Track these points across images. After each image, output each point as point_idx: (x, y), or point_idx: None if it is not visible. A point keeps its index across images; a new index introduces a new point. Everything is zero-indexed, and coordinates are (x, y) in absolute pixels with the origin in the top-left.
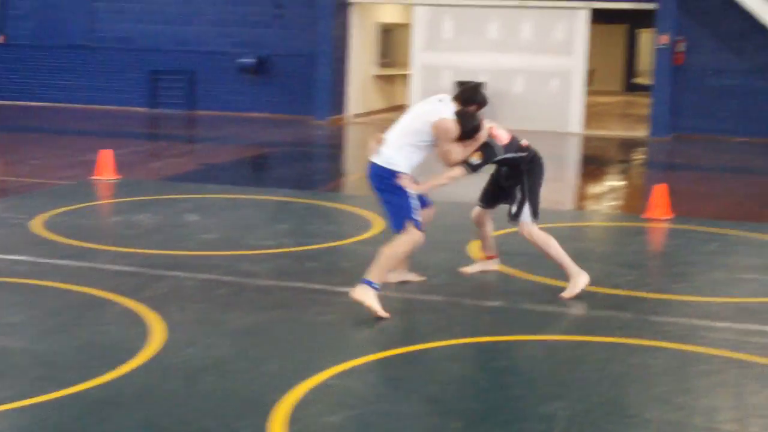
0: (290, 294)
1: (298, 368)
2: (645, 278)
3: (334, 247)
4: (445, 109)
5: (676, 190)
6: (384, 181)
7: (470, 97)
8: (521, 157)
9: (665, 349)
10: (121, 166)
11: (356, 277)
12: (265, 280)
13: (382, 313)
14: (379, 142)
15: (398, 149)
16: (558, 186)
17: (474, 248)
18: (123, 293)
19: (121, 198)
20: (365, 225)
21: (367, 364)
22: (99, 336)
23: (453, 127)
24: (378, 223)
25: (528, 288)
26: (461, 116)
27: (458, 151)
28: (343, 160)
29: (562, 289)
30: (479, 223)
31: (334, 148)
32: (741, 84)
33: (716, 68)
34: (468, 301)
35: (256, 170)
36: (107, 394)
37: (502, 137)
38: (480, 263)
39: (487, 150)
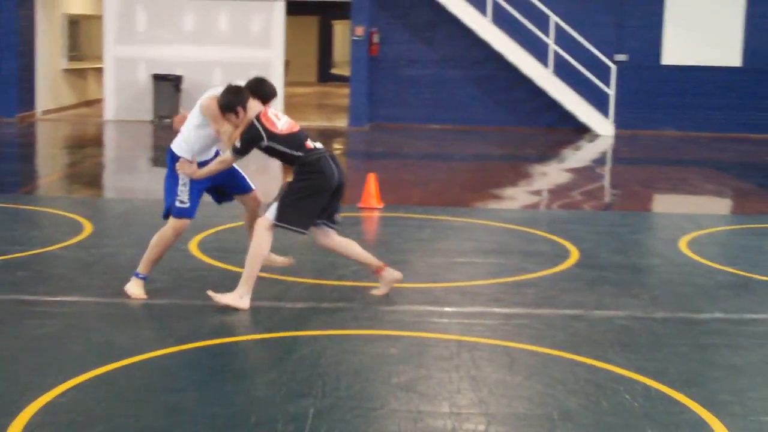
0: (1, 307)
1: (22, 388)
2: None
3: (43, 253)
4: (218, 91)
5: (382, 178)
6: (169, 165)
7: (253, 89)
8: (295, 155)
9: (400, 337)
10: None
11: (72, 283)
12: None
13: (140, 295)
14: (179, 123)
15: (186, 134)
16: (266, 178)
17: (194, 246)
18: None
19: None
20: (74, 228)
21: (97, 378)
22: None
23: (213, 104)
24: (89, 226)
25: (263, 284)
26: (223, 91)
27: (227, 130)
28: (37, 159)
29: (291, 284)
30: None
31: (25, 147)
32: (433, 73)
33: (409, 59)
34: (193, 303)
35: None
36: None
37: (277, 125)
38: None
39: (249, 131)
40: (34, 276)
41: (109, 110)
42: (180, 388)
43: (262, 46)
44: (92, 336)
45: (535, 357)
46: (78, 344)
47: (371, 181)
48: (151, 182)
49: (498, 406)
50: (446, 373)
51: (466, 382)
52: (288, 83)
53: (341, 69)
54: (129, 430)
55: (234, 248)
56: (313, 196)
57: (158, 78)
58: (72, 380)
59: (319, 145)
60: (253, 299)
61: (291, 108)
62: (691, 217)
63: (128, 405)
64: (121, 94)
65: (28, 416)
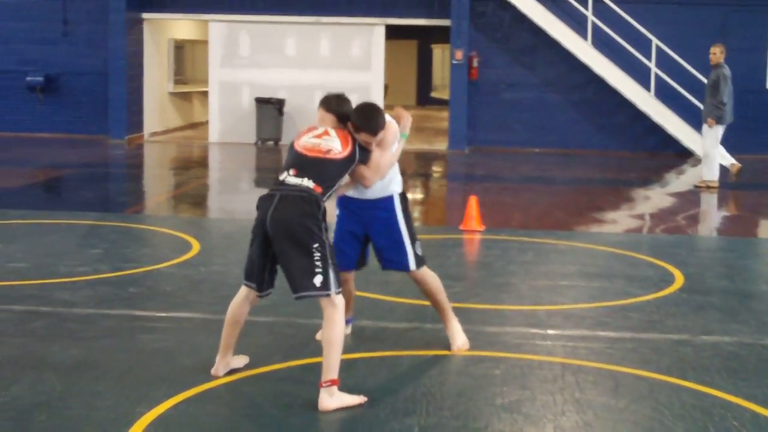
0: (115, 322)
1: (136, 400)
2: (472, 289)
3: (153, 270)
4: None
5: (483, 201)
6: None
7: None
8: None
9: (503, 358)
10: None
11: (182, 299)
12: (86, 308)
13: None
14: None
15: None
16: None
17: None
18: None
19: None
20: (182, 247)
21: (208, 391)
22: None
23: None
24: (196, 244)
25: (365, 304)
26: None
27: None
28: (144, 180)
29: (395, 305)
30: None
31: (134, 168)
32: (533, 97)
33: (509, 82)
34: (300, 321)
35: (55, 193)
36: None
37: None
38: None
39: None
40: (146, 292)
41: (214, 132)
42: (286, 403)
43: (363, 69)
44: (202, 351)
45: (640, 381)
46: (188, 359)
47: (472, 203)
48: (254, 203)
49: (603, 429)
50: (550, 396)
51: (570, 404)
52: (387, 106)
53: (440, 92)
54: None
55: None
56: (252, 241)
57: (261, 101)
58: (182, 393)
59: (289, 178)
60: (357, 318)
61: None
62: None
63: (236, 419)
64: (225, 117)
65: (142, 427)
